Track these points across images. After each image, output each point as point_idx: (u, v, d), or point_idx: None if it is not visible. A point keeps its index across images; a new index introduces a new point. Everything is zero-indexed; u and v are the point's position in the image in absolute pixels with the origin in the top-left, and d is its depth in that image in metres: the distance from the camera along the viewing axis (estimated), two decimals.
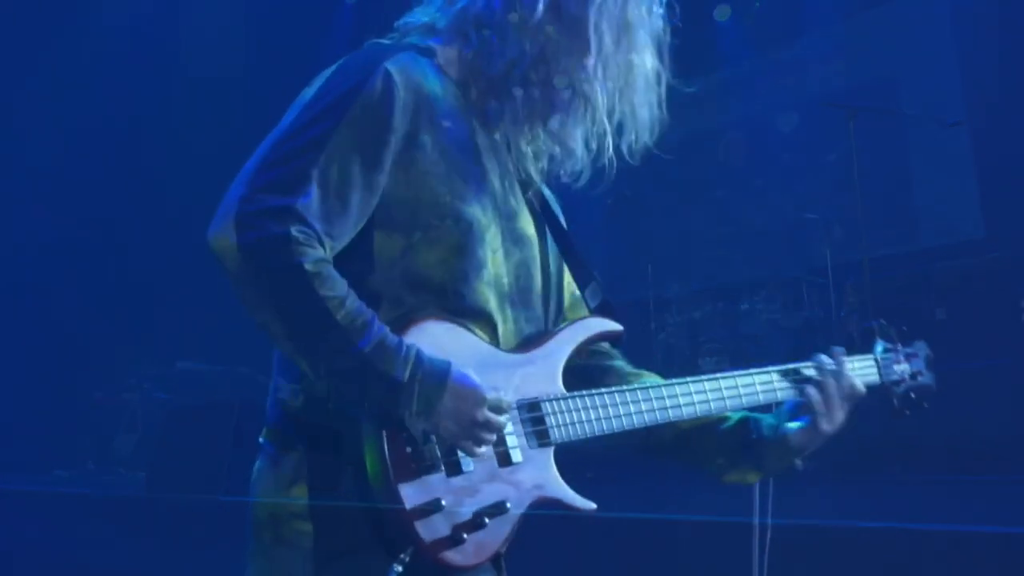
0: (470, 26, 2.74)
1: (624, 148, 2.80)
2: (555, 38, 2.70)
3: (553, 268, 2.90)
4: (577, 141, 2.80)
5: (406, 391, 2.44)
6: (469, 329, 2.63)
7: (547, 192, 2.98)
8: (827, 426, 2.87)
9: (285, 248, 2.39)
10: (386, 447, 2.46)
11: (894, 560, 5.27)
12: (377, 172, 2.55)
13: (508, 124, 2.74)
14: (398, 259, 2.59)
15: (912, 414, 3.14)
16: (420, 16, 2.85)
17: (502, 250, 2.74)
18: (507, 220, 2.76)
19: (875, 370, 3.13)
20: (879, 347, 3.16)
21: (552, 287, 2.88)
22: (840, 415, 2.89)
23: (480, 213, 2.68)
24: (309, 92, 2.63)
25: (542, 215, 2.91)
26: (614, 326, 2.89)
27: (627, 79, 2.75)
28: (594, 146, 2.81)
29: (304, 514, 2.55)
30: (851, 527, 5.46)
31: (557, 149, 2.82)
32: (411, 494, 2.47)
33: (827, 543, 5.49)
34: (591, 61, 2.71)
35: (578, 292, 2.97)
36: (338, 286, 2.43)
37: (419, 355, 2.48)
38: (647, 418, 2.80)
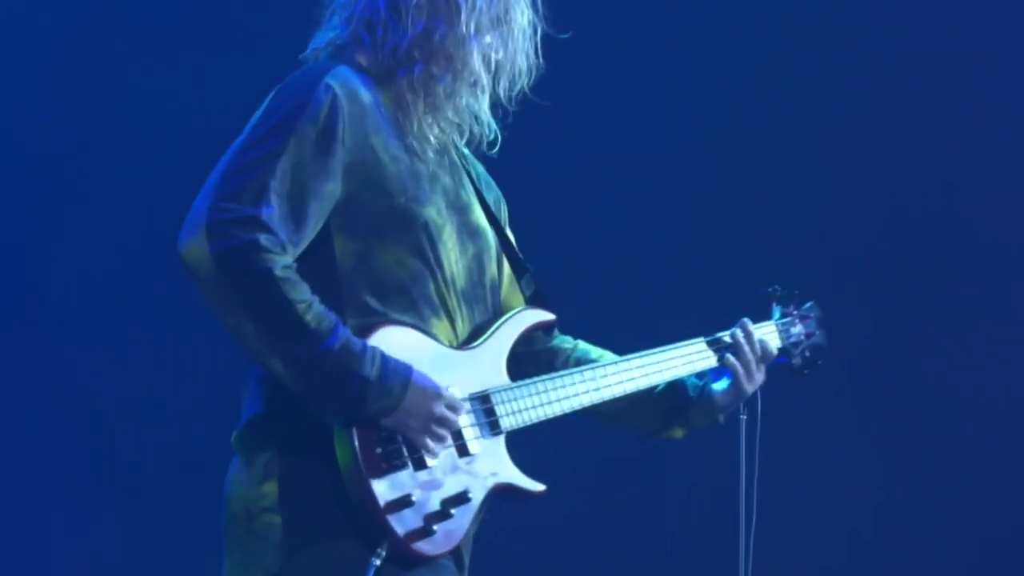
0: (363, 30, 2.93)
1: (501, 94, 2.99)
2: (430, 10, 2.89)
3: (501, 255, 3.11)
4: (482, 107, 3.00)
5: (373, 389, 2.68)
6: (424, 331, 2.85)
7: (479, 173, 3.17)
8: (748, 386, 3.21)
9: (255, 255, 2.62)
10: (357, 446, 2.71)
11: None
12: (328, 181, 2.77)
13: (428, 110, 2.93)
14: (359, 263, 2.82)
15: (809, 372, 3.43)
16: (322, 37, 3.02)
17: (458, 247, 2.95)
18: (460, 214, 2.99)
19: (776, 335, 3.38)
20: (776, 312, 3.41)
21: (502, 274, 3.11)
22: (759, 376, 3.23)
23: (435, 213, 2.90)
24: (258, 112, 2.84)
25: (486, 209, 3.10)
26: (548, 316, 3.13)
27: (501, 33, 2.96)
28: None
29: (274, 508, 2.75)
30: None
31: (469, 121, 3.02)
32: (383, 491, 2.71)
33: None
34: (464, 20, 2.89)
35: (511, 274, 3.15)
36: (305, 290, 2.66)
37: (383, 356, 2.71)
38: (586, 399, 3.06)
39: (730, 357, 3.20)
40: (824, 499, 6.10)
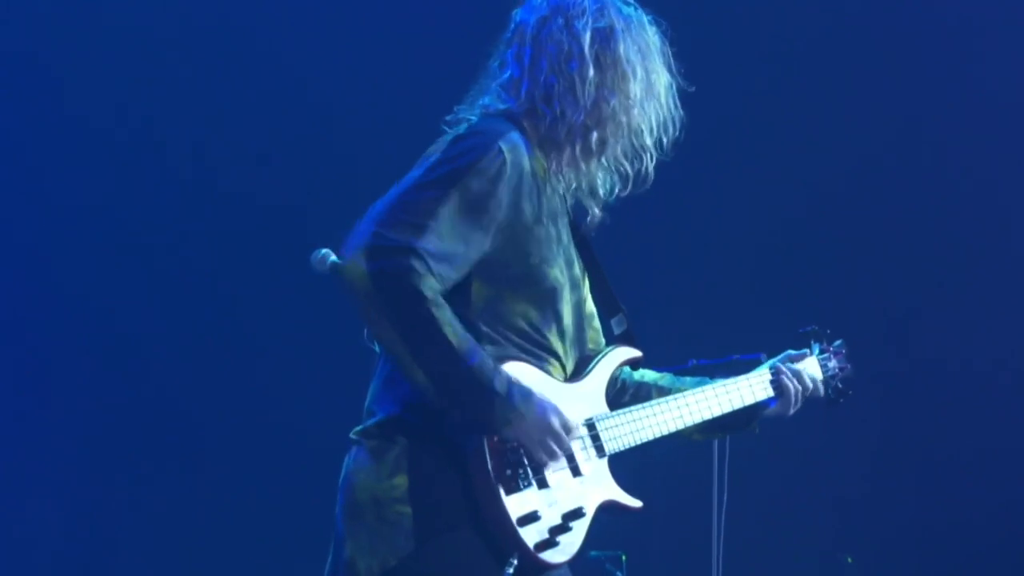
0: (541, 102, 3.17)
1: (665, 148, 3.29)
2: (599, 82, 3.17)
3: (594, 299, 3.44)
4: (624, 164, 3.27)
5: (504, 402, 2.96)
6: (542, 368, 3.15)
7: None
8: (790, 411, 3.60)
9: (408, 276, 2.90)
10: (490, 467, 2.99)
11: None
12: (481, 233, 3.03)
13: (581, 176, 3.23)
14: (487, 306, 3.10)
15: (843, 402, 3.82)
16: (495, 103, 3.25)
17: (571, 300, 3.24)
18: (570, 268, 3.26)
19: (817, 369, 3.75)
20: (816, 349, 3.79)
21: (591, 318, 3.43)
22: (800, 403, 3.61)
23: (559, 274, 3.19)
24: (435, 153, 3.13)
25: (584, 251, 3.40)
26: (636, 353, 3.41)
27: (653, 93, 3.24)
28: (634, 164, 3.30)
29: (405, 499, 3.01)
30: None
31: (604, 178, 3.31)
32: (514, 507, 3.00)
33: None
34: (633, 88, 3.19)
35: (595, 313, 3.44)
36: (449, 312, 2.95)
37: (510, 378, 3.01)
38: (672, 425, 3.39)
39: (787, 387, 3.58)
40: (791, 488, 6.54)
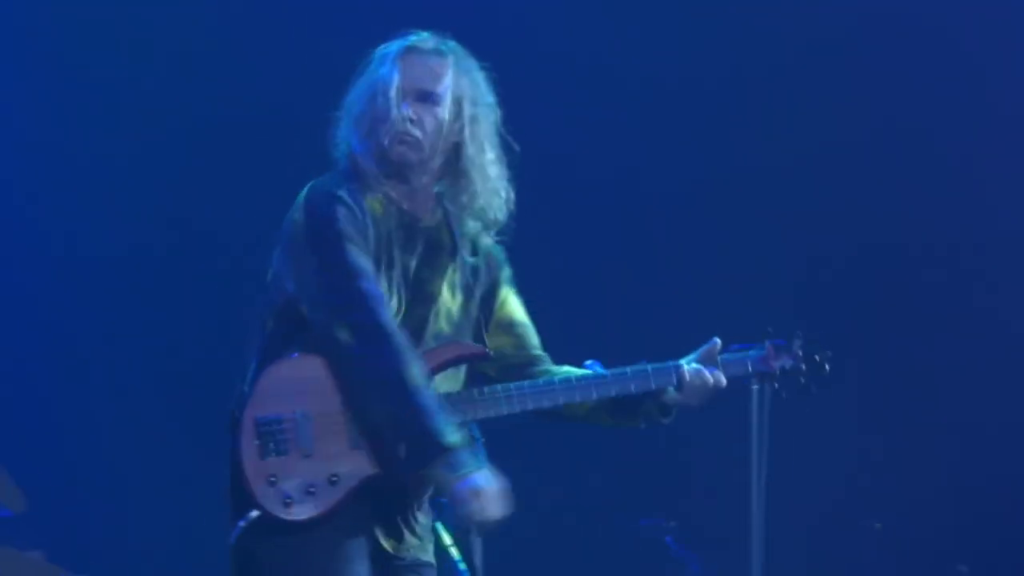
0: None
1: None
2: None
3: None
4: None
5: None
6: None
7: None
8: (695, 403, 3.65)
9: None
10: (245, 436, 3.42)
11: None
12: None
13: None
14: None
15: (790, 397, 3.82)
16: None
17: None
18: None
19: (745, 366, 3.74)
20: (758, 347, 3.78)
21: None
22: (707, 399, 3.64)
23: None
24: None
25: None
26: (467, 350, 3.65)
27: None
28: None
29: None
30: None
31: None
32: (257, 470, 3.40)
33: None
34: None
35: None
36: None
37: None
38: (510, 408, 3.57)
39: (686, 378, 3.62)
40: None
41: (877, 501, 6.88)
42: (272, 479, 3.39)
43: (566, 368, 3.75)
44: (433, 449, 3.33)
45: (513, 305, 3.81)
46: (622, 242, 7.08)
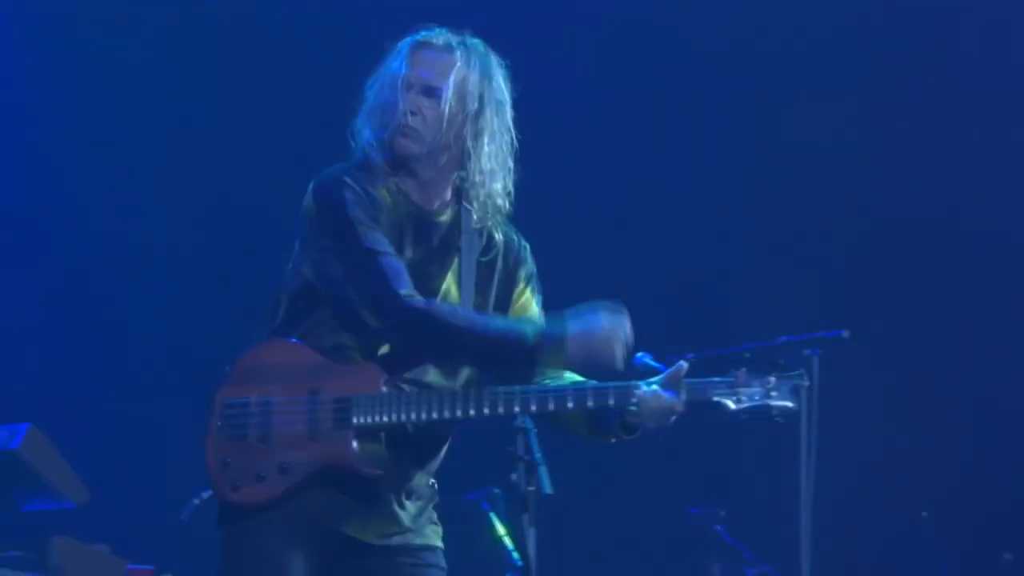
0: None
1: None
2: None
3: None
4: None
5: None
6: (329, 348, 3.57)
7: None
8: (651, 424, 3.49)
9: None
10: (212, 420, 3.50)
11: None
12: None
13: None
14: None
15: (750, 422, 3.60)
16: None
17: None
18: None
19: (707, 391, 3.53)
20: (726, 377, 3.56)
21: None
22: (663, 421, 3.48)
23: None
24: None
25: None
26: None
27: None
28: None
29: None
30: None
31: None
32: (216, 453, 3.47)
33: None
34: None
35: None
36: None
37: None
38: (475, 410, 3.46)
39: (645, 399, 3.46)
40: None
41: (924, 490, 6.93)
42: (225, 462, 3.44)
43: (568, 375, 3.64)
44: (528, 349, 3.42)
45: (526, 303, 3.78)
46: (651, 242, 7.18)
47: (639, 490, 7.14)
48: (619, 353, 3.48)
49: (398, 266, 3.46)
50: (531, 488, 3.37)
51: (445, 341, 3.45)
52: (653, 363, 3.67)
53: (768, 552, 6.46)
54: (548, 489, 3.39)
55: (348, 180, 3.53)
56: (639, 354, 3.68)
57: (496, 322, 3.53)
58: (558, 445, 3.64)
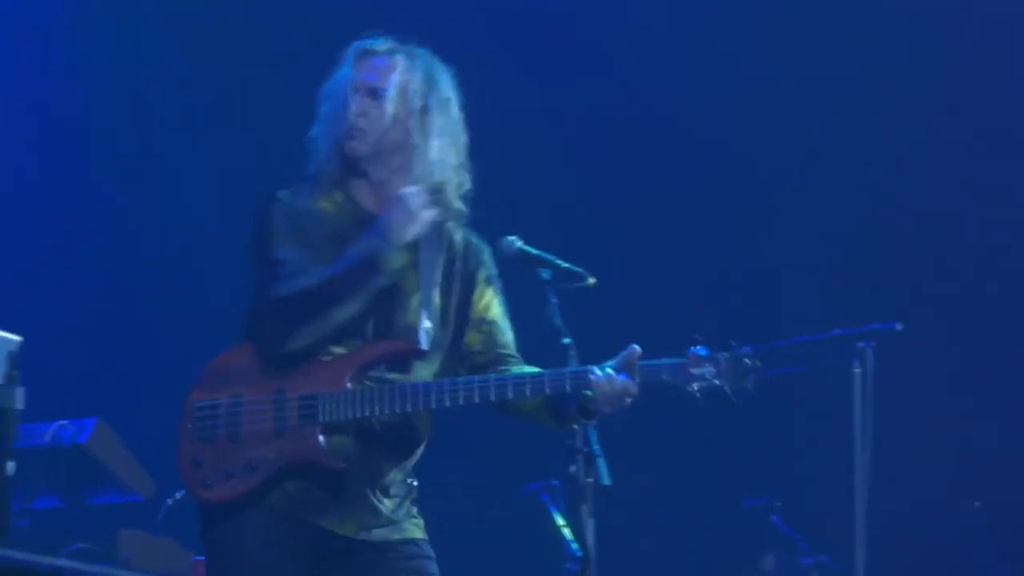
0: None
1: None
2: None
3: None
4: None
5: None
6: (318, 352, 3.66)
7: None
8: (607, 408, 3.52)
9: None
10: (184, 421, 3.62)
11: None
12: None
13: None
14: None
15: (710, 405, 3.62)
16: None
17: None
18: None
19: (659, 373, 3.57)
20: (677, 358, 3.61)
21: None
22: (618, 404, 3.52)
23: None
24: None
25: None
26: (396, 347, 3.67)
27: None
28: None
29: None
30: None
31: None
32: (188, 453, 3.59)
33: None
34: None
35: None
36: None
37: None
38: (439, 402, 3.56)
39: (599, 385, 3.50)
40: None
41: (977, 481, 6.94)
42: (198, 462, 3.55)
43: (530, 369, 3.71)
44: (383, 256, 3.54)
45: (488, 303, 3.83)
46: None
47: (696, 481, 7.15)
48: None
49: (294, 274, 3.58)
50: (589, 480, 3.39)
51: (314, 304, 3.53)
52: (706, 354, 3.67)
53: (823, 543, 6.48)
54: (606, 481, 3.39)
55: (281, 195, 3.71)
56: (694, 347, 3.67)
57: (344, 259, 3.57)
58: (616, 438, 3.66)
